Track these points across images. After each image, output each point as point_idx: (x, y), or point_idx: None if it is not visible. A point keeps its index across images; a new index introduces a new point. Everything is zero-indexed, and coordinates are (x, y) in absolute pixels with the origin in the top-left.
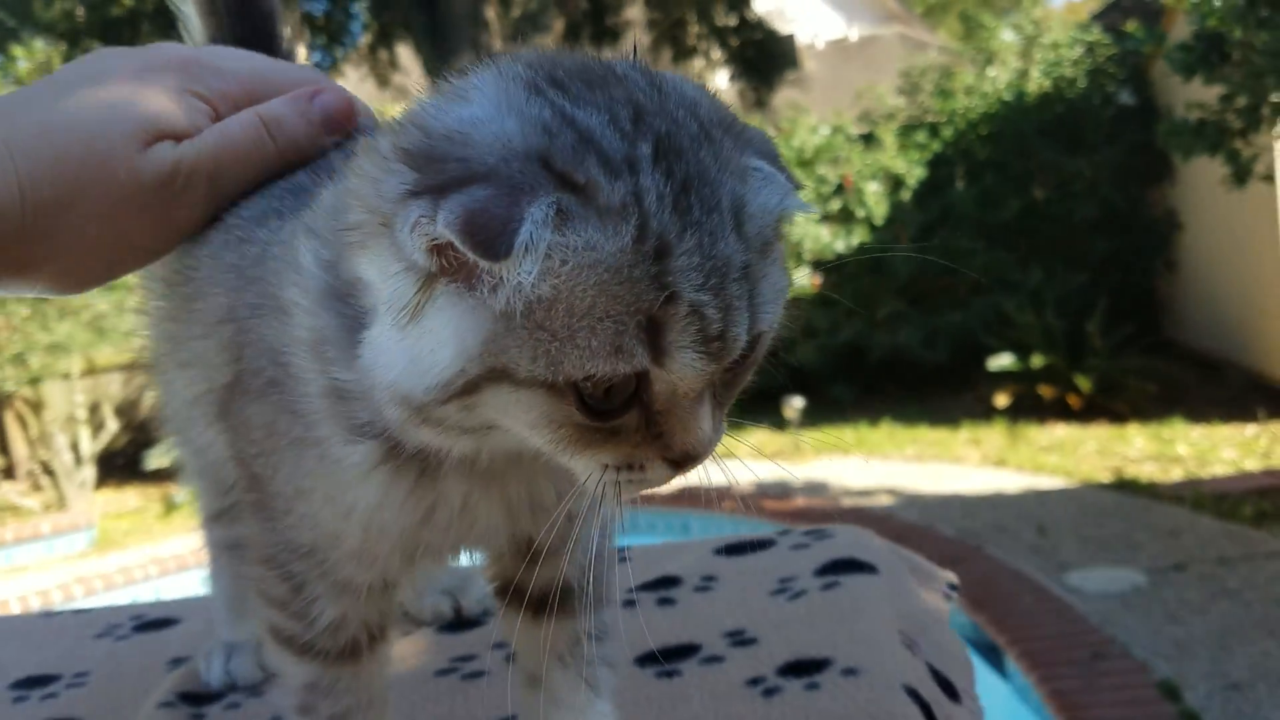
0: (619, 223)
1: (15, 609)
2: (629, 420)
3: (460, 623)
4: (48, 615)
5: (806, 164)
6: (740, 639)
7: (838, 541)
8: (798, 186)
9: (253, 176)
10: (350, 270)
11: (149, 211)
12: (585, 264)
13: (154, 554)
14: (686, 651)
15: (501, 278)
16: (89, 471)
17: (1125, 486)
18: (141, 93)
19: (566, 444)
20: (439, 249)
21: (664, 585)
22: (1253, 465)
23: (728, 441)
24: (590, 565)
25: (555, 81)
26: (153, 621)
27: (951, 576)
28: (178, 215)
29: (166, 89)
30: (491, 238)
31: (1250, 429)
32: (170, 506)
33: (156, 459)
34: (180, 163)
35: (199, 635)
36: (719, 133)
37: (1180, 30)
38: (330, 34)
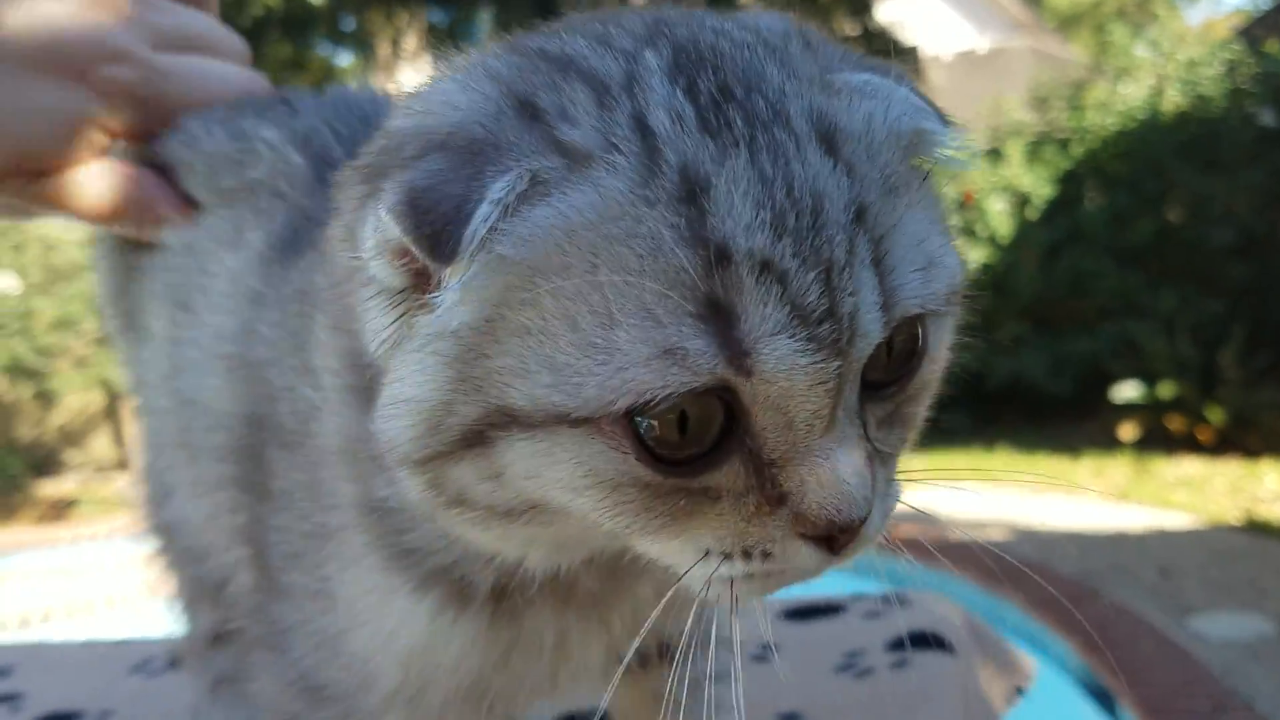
0: (608, 162)
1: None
2: (729, 475)
3: None
4: (88, 646)
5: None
6: None
7: (915, 612)
8: (944, 118)
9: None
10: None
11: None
12: (571, 233)
13: None
14: None
15: (455, 279)
16: None
17: (1256, 528)
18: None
19: (636, 520)
20: (403, 253)
21: None
22: None
23: None
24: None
25: (533, 37)
26: None
27: (1031, 672)
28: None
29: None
30: (440, 227)
31: None
32: None
33: None
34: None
35: None
36: (787, 43)
37: None
38: (454, 44)
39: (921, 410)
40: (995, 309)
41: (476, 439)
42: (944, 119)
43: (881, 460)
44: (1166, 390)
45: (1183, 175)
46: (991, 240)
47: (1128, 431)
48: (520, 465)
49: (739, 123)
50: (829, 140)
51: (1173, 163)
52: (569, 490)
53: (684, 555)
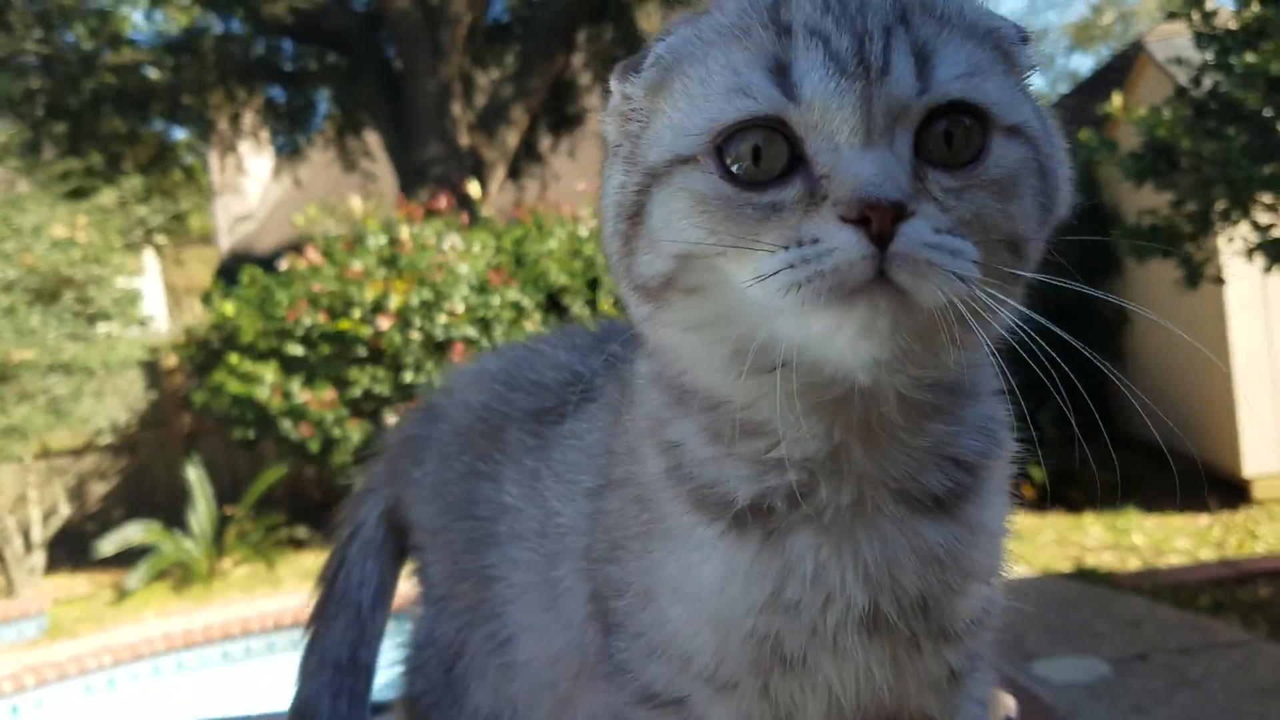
0: None
1: None
2: (791, 190)
3: None
4: None
5: None
6: None
7: None
8: (1021, 32)
9: None
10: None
11: None
12: (700, 31)
13: (107, 642)
14: None
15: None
16: (39, 557)
17: (1085, 576)
18: None
19: (725, 231)
20: (623, 114)
21: None
22: (1207, 555)
23: None
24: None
25: None
26: None
27: (1013, 707)
28: None
29: None
30: (640, 62)
31: (1203, 519)
32: (122, 593)
33: (111, 545)
34: None
35: None
36: None
37: (1127, 137)
38: (293, 121)
39: (997, 210)
40: None
41: (638, 212)
42: (1021, 32)
43: (942, 209)
44: None
45: None
46: None
47: None
48: (659, 216)
49: None
50: None
51: None
52: (686, 219)
53: (756, 261)
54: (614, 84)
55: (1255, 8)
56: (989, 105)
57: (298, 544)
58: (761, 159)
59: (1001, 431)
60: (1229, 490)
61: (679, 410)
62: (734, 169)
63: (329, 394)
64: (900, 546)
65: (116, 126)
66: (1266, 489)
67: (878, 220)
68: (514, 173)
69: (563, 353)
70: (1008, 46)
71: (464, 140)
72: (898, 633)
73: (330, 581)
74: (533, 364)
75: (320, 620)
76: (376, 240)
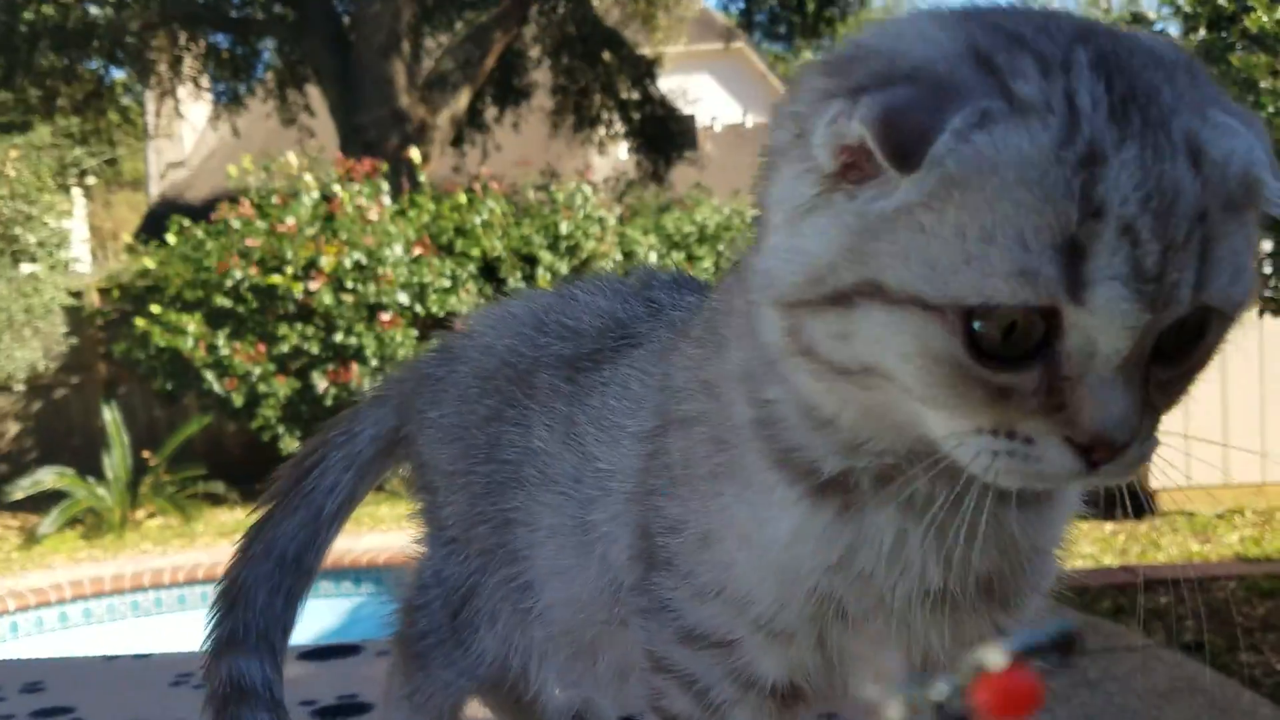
0: (1043, 118)
1: None
2: (1027, 380)
3: None
4: (108, 659)
5: (710, 239)
6: None
7: None
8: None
9: None
10: (762, 198)
11: None
12: (996, 163)
13: (12, 587)
14: None
15: (900, 184)
16: None
17: None
18: None
19: (941, 392)
20: (846, 149)
21: None
22: (1111, 560)
23: None
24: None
25: (984, 11)
26: None
27: None
28: None
29: None
30: (906, 144)
31: (1109, 526)
32: (32, 538)
33: (21, 490)
34: None
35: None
36: (1178, 71)
37: None
38: (235, 69)
39: (1186, 388)
40: None
41: (843, 300)
42: (1276, 175)
43: (1150, 412)
44: None
45: None
46: None
47: None
48: (869, 330)
49: (1136, 121)
50: (1195, 157)
51: None
52: (900, 357)
53: (965, 428)
54: (832, 114)
55: (1202, 32)
56: (1232, 297)
57: (215, 499)
58: (1013, 336)
59: None
60: (1135, 500)
61: (776, 376)
62: (976, 328)
63: (257, 347)
64: (985, 534)
65: (53, 62)
66: (1171, 501)
67: (1100, 453)
68: (457, 140)
69: (602, 299)
70: (1263, 205)
71: (407, 103)
72: (962, 605)
73: (301, 475)
74: (565, 309)
75: (277, 507)
76: (310, 197)
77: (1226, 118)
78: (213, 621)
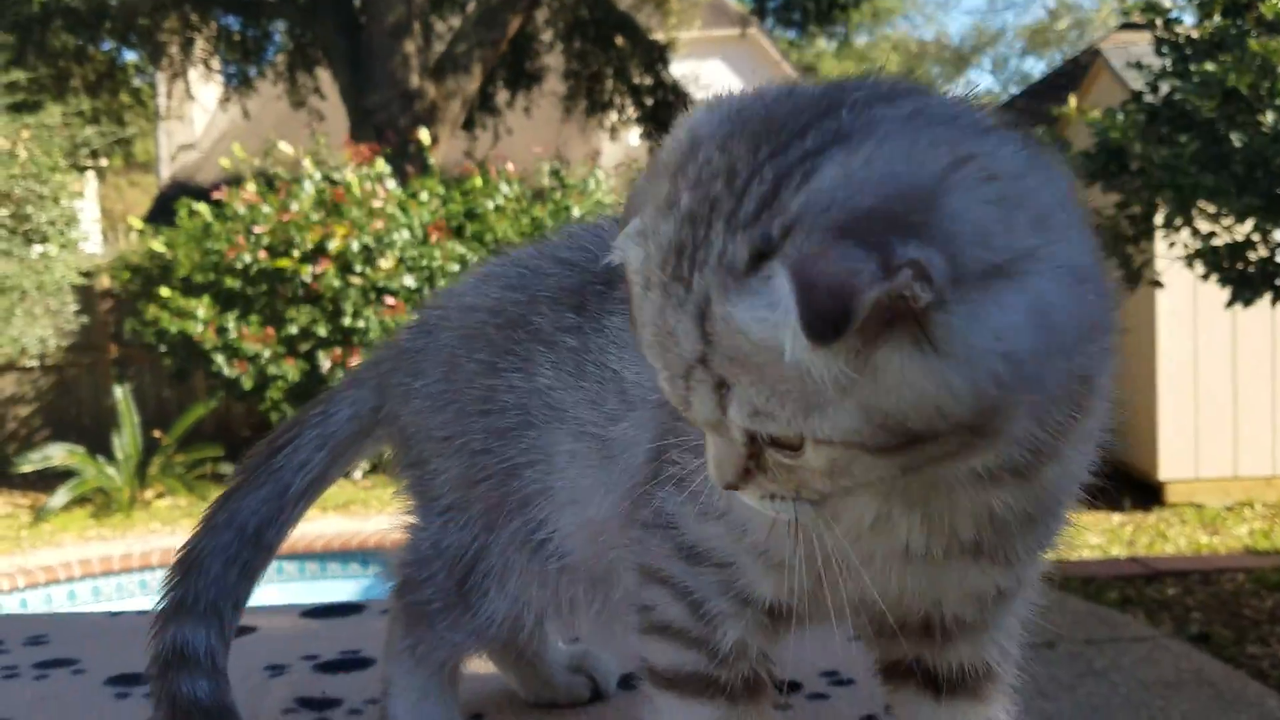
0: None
1: None
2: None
3: (596, 697)
4: (113, 615)
5: None
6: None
7: None
8: (833, 323)
9: None
10: None
11: None
12: None
13: (21, 564)
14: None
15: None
16: None
17: None
18: None
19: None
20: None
21: None
22: (1119, 551)
23: None
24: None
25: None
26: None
27: None
28: None
29: None
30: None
31: (1117, 517)
32: (40, 515)
33: (29, 464)
34: None
35: (281, 641)
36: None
37: (1078, 139)
38: (246, 51)
39: (803, 478)
40: None
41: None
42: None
43: (767, 475)
44: None
45: None
46: None
47: None
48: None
49: (682, 273)
50: (701, 312)
51: None
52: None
53: None
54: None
55: (1217, 19)
56: (761, 430)
57: (223, 480)
58: None
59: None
60: (1144, 492)
61: None
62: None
63: (266, 330)
64: (968, 509)
65: (66, 42)
66: (1179, 493)
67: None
68: (467, 123)
69: (604, 227)
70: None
71: (418, 85)
72: (951, 561)
73: (273, 451)
74: (560, 247)
75: (245, 480)
76: (314, 183)
77: (779, 273)
78: (167, 587)
